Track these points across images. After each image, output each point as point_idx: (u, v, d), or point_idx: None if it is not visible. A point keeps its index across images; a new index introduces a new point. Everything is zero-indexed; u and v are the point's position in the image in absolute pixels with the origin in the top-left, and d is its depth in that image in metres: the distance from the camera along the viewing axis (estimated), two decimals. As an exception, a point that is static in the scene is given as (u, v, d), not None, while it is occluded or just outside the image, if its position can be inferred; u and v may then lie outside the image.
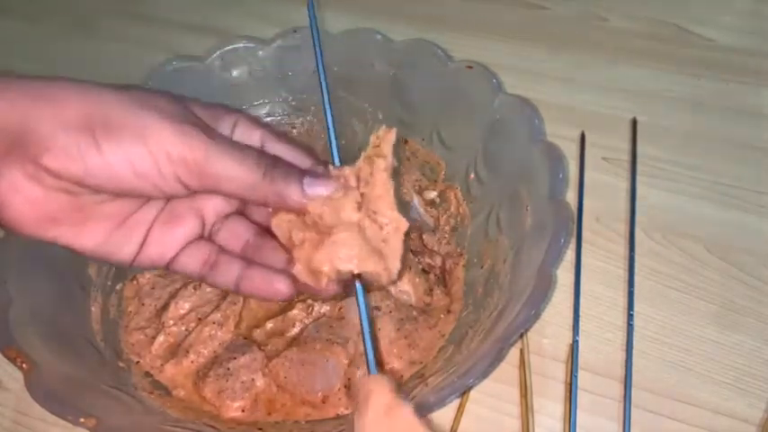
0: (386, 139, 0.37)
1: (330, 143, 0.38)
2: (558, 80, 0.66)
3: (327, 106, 0.38)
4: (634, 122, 0.61)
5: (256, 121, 0.37)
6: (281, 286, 0.36)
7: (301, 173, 0.35)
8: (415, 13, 0.76)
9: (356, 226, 0.36)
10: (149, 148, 0.30)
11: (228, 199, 0.37)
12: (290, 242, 0.37)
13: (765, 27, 0.72)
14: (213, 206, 0.37)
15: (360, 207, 0.36)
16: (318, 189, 0.35)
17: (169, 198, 0.35)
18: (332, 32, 0.56)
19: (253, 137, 0.36)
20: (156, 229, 0.35)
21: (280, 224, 0.37)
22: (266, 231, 0.38)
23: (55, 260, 0.47)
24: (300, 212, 0.36)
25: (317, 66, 0.39)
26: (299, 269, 0.37)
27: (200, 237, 0.37)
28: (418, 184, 0.56)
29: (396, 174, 0.37)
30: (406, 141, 0.57)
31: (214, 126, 0.34)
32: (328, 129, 0.38)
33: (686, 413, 0.44)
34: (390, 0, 0.78)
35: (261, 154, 0.34)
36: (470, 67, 0.51)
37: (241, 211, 0.39)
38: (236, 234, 0.38)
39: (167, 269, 0.37)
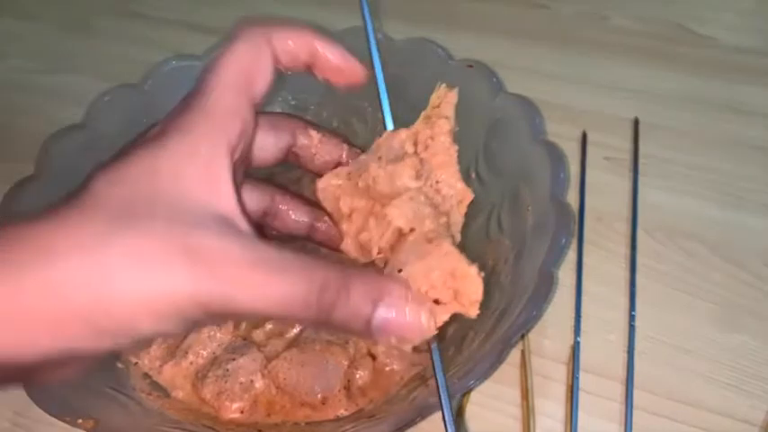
0: (447, 98, 0.34)
1: (382, 106, 0.35)
2: (560, 79, 0.66)
3: (378, 65, 0.36)
4: (636, 122, 0.61)
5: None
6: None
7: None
8: (415, 13, 0.76)
9: (415, 194, 0.32)
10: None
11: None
12: (336, 210, 0.34)
13: (766, 26, 0.71)
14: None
15: (418, 174, 0.32)
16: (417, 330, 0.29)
17: None
18: (332, 32, 0.55)
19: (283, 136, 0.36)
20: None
21: (326, 187, 0.34)
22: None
23: (53, 260, 0.46)
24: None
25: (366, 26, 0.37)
26: (347, 243, 0.34)
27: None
28: (418, 184, 0.56)
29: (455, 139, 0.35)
30: (406, 141, 0.57)
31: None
32: (380, 90, 0.36)
33: (688, 414, 0.44)
34: (390, 0, 0.77)
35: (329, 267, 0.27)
36: (471, 66, 0.50)
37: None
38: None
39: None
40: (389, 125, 0.35)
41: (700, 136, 0.60)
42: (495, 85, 0.49)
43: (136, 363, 0.47)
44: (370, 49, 0.36)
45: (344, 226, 0.34)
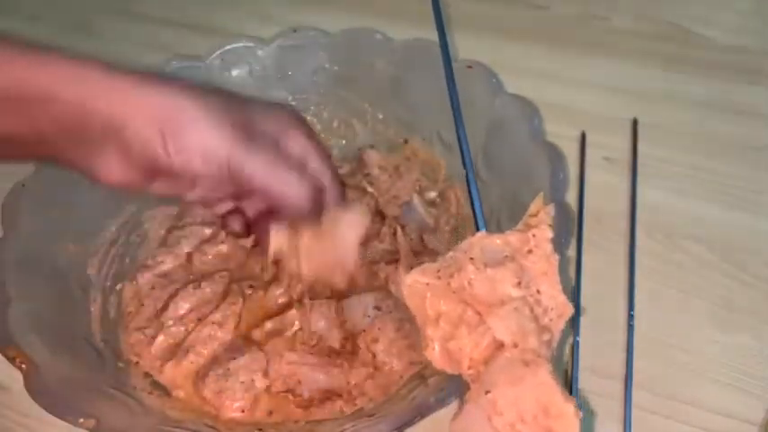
0: (545, 209, 0.32)
1: (474, 208, 0.35)
2: (559, 80, 0.66)
3: (470, 169, 0.36)
4: (635, 122, 0.61)
5: (307, 130, 0.42)
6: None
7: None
8: (415, 13, 0.76)
9: (520, 305, 0.30)
10: (206, 159, 0.36)
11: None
12: (422, 309, 0.32)
13: (766, 27, 0.71)
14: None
15: (521, 282, 0.30)
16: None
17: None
18: (332, 32, 0.56)
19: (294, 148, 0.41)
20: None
21: (413, 284, 0.32)
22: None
23: (55, 260, 0.47)
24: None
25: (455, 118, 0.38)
26: (432, 349, 0.31)
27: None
28: (418, 184, 0.56)
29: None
30: (406, 141, 0.57)
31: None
32: (471, 194, 0.35)
33: (687, 413, 0.44)
34: (390, 0, 0.77)
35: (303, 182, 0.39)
36: (471, 67, 0.51)
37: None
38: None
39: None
40: (482, 226, 0.33)
41: (699, 136, 0.61)
42: (494, 85, 0.50)
43: (137, 362, 0.47)
44: (460, 144, 0.37)
45: (430, 330, 0.31)
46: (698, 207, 0.55)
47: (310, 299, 0.47)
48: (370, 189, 0.55)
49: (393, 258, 0.50)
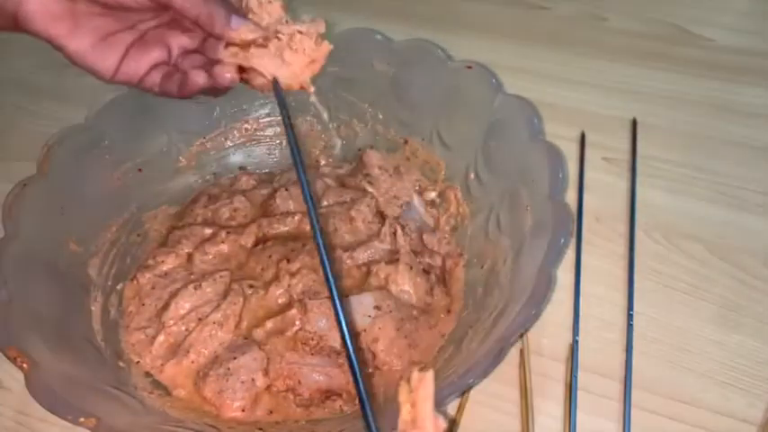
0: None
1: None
2: (558, 80, 0.66)
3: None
4: (634, 122, 0.61)
5: None
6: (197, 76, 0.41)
7: (232, 10, 0.40)
8: (416, 13, 0.76)
9: None
10: None
11: (192, 36, 0.43)
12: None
13: (765, 27, 0.72)
14: (178, 41, 0.43)
15: None
16: (242, 26, 0.40)
17: (143, 10, 0.41)
18: (332, 32, 0.56)
19: None
20: (132, 51, 0.42)
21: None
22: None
23: (55, 260, 0.47)
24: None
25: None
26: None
27: (166, 63, 0.43)
28: (418, 184, 0.56)
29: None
30: (406, 141, 0.57)
31: None
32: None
33: (686, 413, 0.44)
34: (390, 0, 0.78)
35: None
36: (470, 67, 0.51)
37: (199, 50, 0.43)
38: (193, 64, 0.43)
39: (138, 86, 0.43)
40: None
41: (698, 136, 0.61)
42: (494, 85, 0.50)
43: (138, 362, 0.47)
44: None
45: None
46: (698, 207, 0.55)
47: (310, 299, 0.48)
48: (370, 189, 0.55)
49: (393, 258, 0.50)
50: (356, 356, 0.34)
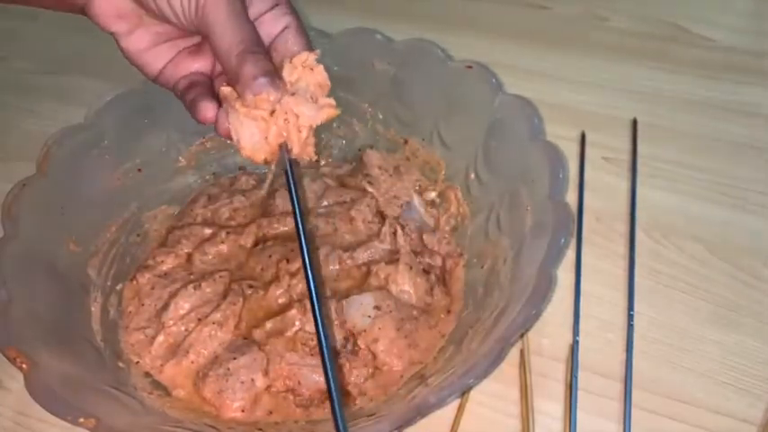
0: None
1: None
2: (559, 80, 0.66)
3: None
4: (634, 122, 0.61)
5: (293, 9, 0.42)
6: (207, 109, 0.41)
7: (264, 72, 0.38)
8: (415, 13, 0.76)
9: None
10: None
11: None
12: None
13: (765, 27, 0.72)
14: None
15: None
16: (263, 91, 0.38)
17: (185, 29, 0.40)
18: (332, 32, 0.56)
19: (279, 21, 0.41)
20: (180, 56, 0.42)
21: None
22: None
23: (55, 260, 0.47)
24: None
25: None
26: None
27: (206, 76, 0.43)
28: (418, 184, 0.56)
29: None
30: (406, 141, 0.57)
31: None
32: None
33: (686, 413, 0.44)
34: (390, 0, 0.78)
35: (254, 37, 0.38)
36: (470, 67, 0.51)
37: None
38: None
39: (174, 89, 0.43)
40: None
41: (698, 136, 0.61)
42: (494, 85, 0.50)
43: (137, 362, 0.47)
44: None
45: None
46: (698, 207, 0.55)
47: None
48: (370, 189, 0.55)
49: (393, 258, 0.50)
50: (330, 354, 0.35)
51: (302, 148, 0.40)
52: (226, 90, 0.39)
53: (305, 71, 0.40)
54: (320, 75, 0.40)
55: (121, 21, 0.40)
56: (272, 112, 0.39)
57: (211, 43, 0.38)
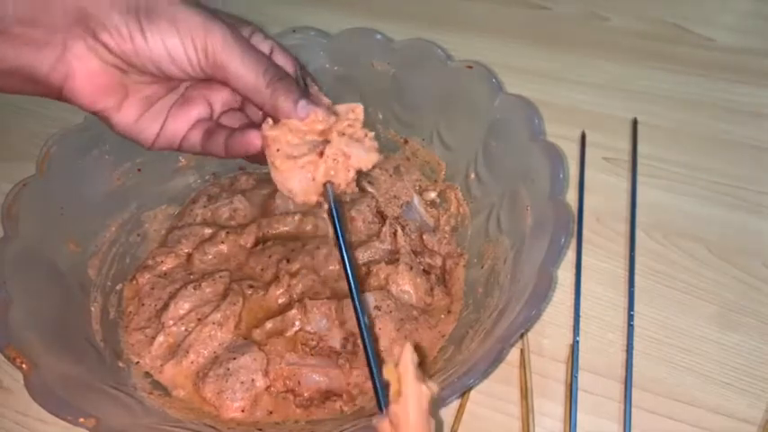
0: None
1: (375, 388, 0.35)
2: (559, 80, 0.66)
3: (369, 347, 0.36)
4: (635, 122, 0.61)
5: (266, 34, 0.41)
6: (255, 138, 0.39)
7: (300, 94, 0.38)
8: (416, 14, 0.76)
9: None
10: (180, 37, 0.35)
11: (234, 93, 0.41)
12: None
13: (765, 27, 0.72)
14: (221, 97, 0.41)
15: None
16: (310, 112, 0.38)
17: (193, 80, 0.39)
18: (332, 32, 0.56)
19: (263, 46, 0.40)
20: (173, 111, 0.40)
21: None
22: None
23: (55, 260, 0.47)
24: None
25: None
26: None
27: (207, 120, 0.41)
28: (418, 184, 0.56)
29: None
30: (406, 141, 0.57)
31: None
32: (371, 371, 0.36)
33: (686, 413, 0.44)
34: (390, 0, 0.78)
35: (272, 64, 0.38)
36: (470, 67, 0.51)
37: (242, 108, 0.43)
38: (233, 122, 0.42)
39: (180, 149, 0.41)
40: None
41: (698, 136, 0.61)
42: (494, 85, 0.50)
43: (137, 362, 0.47)
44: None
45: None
46: (698, 207, 0.55)
47: (310, 299, 0.48)
48: (370, 189, 0.55)
49: (393, 258, 0.50)
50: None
51: (347, 185, 0.39)
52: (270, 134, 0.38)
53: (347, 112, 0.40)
54: (360, 115, 0.40)
55: (108, 96, 0.37)
56: (322, 153, 0.38)
57: (233, 85, 0.37)
